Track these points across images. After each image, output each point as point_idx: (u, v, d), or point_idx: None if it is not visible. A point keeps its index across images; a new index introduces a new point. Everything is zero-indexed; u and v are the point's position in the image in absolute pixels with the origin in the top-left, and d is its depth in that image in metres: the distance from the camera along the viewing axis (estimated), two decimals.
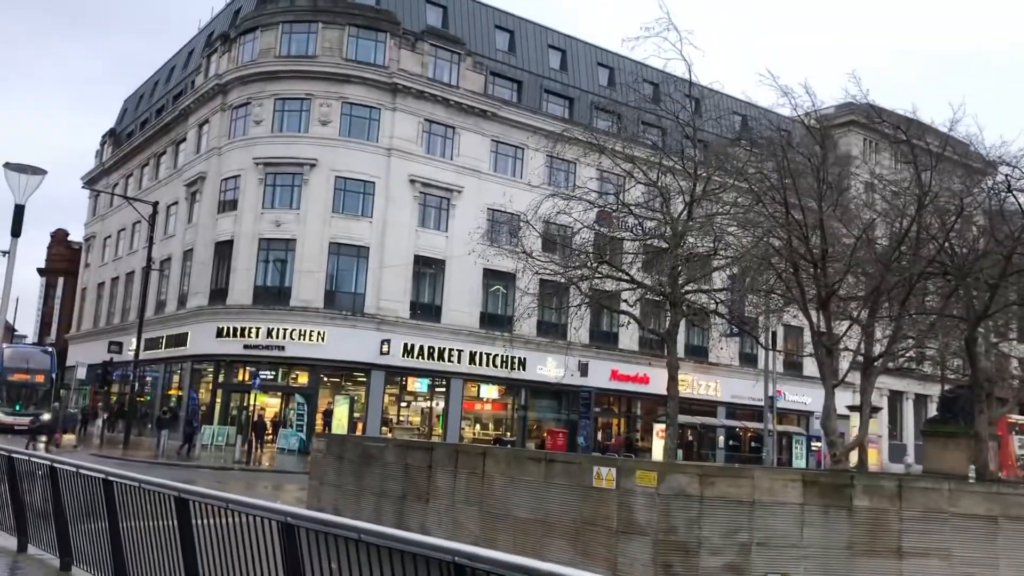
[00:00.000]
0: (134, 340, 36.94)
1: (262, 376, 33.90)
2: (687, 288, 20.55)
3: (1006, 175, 15.67)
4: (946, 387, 32.83)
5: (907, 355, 28.34)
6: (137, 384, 38.53)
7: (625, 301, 23.39)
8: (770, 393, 33.40)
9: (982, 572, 11.52)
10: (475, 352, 37.40)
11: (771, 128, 18.16)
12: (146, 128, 50.33)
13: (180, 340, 38.97)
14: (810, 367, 37.74)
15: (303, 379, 36.27)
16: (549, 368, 38.17)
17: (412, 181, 37.28)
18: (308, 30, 37.37)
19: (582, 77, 44.33)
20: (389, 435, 34.40)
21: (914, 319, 19.98)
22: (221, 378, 36.64)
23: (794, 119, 19.66)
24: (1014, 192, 15.10)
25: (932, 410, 41.55)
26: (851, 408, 33.12)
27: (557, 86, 43.32)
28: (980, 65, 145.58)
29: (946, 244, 15.70)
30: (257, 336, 35.10)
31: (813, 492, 12.00)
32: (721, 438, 40.90)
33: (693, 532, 11.81)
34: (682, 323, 23.86)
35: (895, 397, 50.16)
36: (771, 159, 17.22)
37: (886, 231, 19.88)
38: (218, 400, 36.60)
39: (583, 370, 38.87)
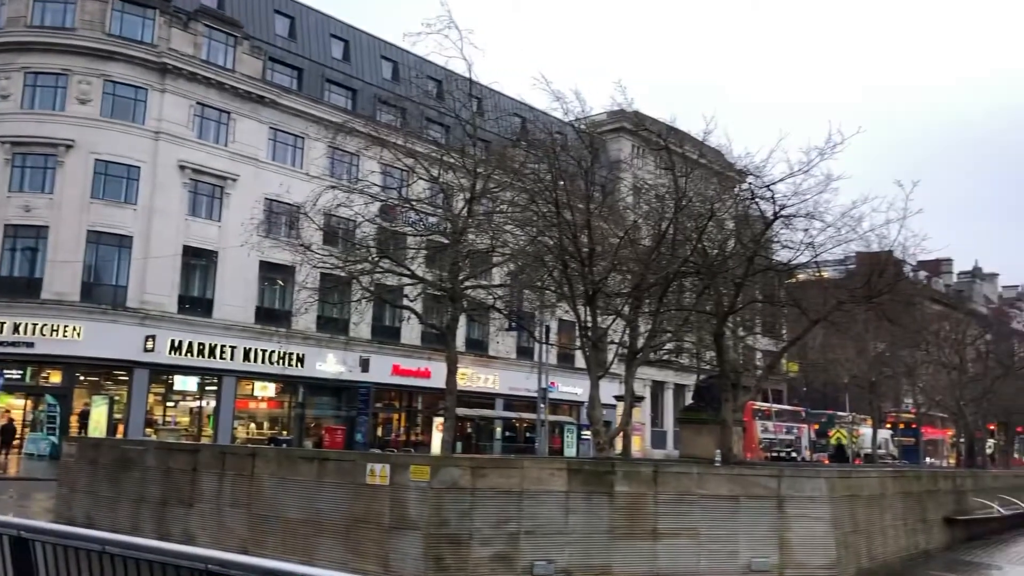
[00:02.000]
0: None
1: (6, 375, 30.84)
2: (467, 284, 20.89)
3: (750, 184, 17.22)
4: (701, 377, 35.59)
5: (667, 348, 30.41)
6: None
7: (406, 296, 23.41)
8: (543, 385, 34.70)
9: (724, 547, 12.57)
10: (250, 348, 35.94)
11: (545, 131, 18.81)
12: None
13: None
14: (582, 359, 39.57)
15: (56, 378, 33.31)
16: (329, 364, 37.44)
17: (182, 167, 35.23)
18: (66, 0, 34.34)
19: (365, 69, 43.82)
20: (153, 437, 32.36)
21: (672, 314, 21.45)
22: None
23: (568, 123, 20.50)
24: (757, 200, 16.61)
25: (689, 399, 44.83)
26: (617, 398, 35.05)
27: (340, 76, 42.52)
28: (728, 79, 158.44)
29: (699, 245, 16.97)
30: (1, 332, 31.85)
31: (578, 480, 12.60)
32: (499, 429, 41.96)
33: (464, 524, 12.04)
34: (462, 318, 24.28)
35: (657, 387, 53.67)
36: (545, 160, 17.86)
37: (649, 232, 21.19)
38: None
39: (364, 365, 38.49)
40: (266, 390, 38.46)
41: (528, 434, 41.81)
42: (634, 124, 19.94)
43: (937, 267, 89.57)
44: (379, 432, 41.05)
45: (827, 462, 44.96)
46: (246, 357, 35.95)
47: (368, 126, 26.53)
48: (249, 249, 28.72)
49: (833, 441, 53.73)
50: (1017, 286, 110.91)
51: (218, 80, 36.37)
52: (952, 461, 60.57)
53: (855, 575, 13.31)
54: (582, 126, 17.99)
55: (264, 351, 35.87)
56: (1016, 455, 66.54)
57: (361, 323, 30.25)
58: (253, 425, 38.43)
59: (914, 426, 63.79)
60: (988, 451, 55.71)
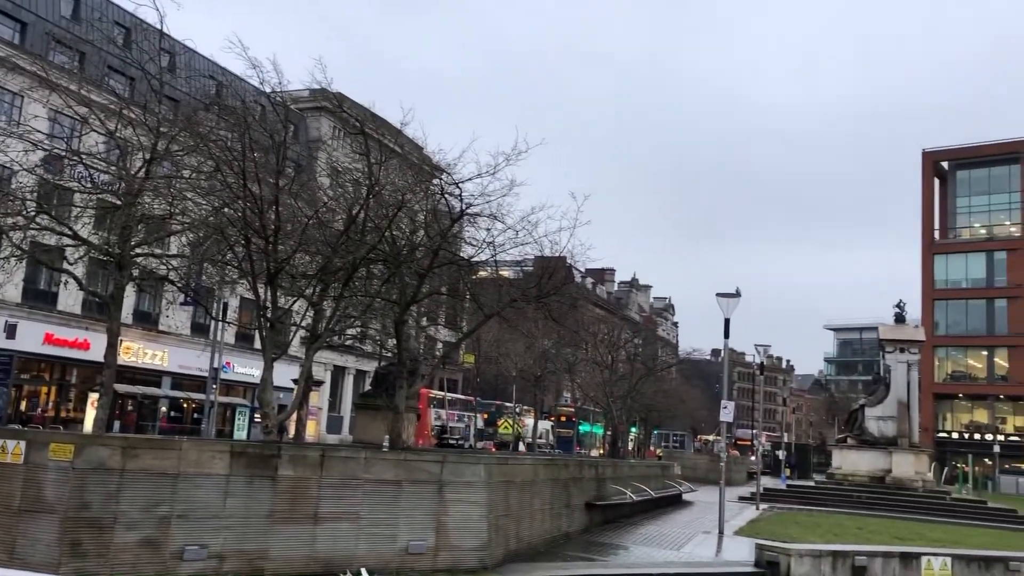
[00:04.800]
0: None
1: None
2: (138, 251, 19.35)
3: (440, 180, 17.74)
4: (381, 364, 36.03)
5: (350, 333, 30.44)
6: None
7: (66, 259, 21.21)
8: (216, 364, 33.17)
9: (384, 530, 12.83)
10: None
11: (238, 98, 17.95)
12: None
13: None
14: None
15: None
16: None
17: None
18: None
19: (39, 1, 39.05)
20: None
21: (357, 300, 21.49)
22: None
23: (266, 94, 19.75)
24: (446, 195, 17.16)
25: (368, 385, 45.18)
26: (296, 381, 34.44)
27: (8, 5, 37.50)
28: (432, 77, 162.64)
29: (387, 234, 17.16)
30: None
31: (241, 463, 12.20)
32: (164, 409, 39.42)
33: (110, 507, 11.18)
34: (130, 287, 22.44)
35: (338, 372, 53.51)
36: (236, 129, 17.05)
37: (341, 215, 21.04)
38: None
39: (10, 331, 34.34)
40: None
41: (196, 415, 39.74)
42: (333, 104, 19.66)
43: (602, 275, 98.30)
44: (23, 406, 36.80)
45: (494, 450, 47.60)
46: None
47: (36, 64, 23.68)
48: None
49: (502, 431, 57.02)
50: (665, 298, 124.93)
51: None
52: (600, 451, 66.80)
53: (503, 556, 14.18)
54: (279, 98, 17.40)
55: None
56: (652, 447, 74.94)
57: (8, 284, 26.93)
58: None
59: (574, 419, 69.62)
60: (630, 443, 62.10)
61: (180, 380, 41.96)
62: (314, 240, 17.64)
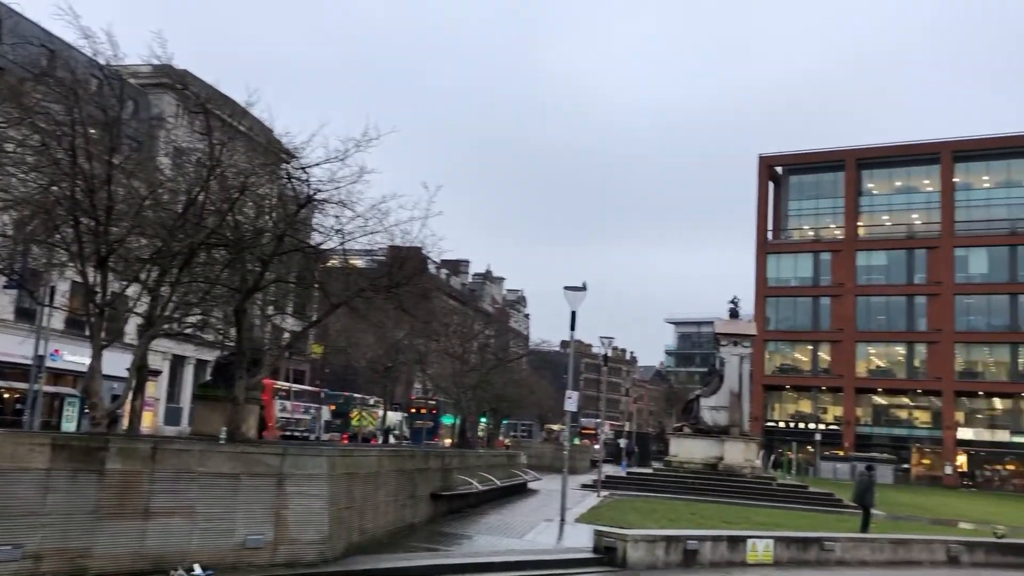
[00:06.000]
0: None
1: None
2: None
3: (287, 164, 17.28)
4: (223, 353, 34.76)
5: (190, 321, 29.18)
6: None
7: None
8: (41, 352, 31.13)
9: (220, 525, 12.41)
10: None
11: (69, 69, 16.83)
12: None
13: None
14: None
15: None
16: None
17: None
18: None
19: None
20: None
21: (198, 286, 20.64)
22: None
23: (99, 66, 18.62)
24: (293, 180, 16.71)
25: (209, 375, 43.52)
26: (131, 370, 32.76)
27: None
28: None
29: (228, 218, 16.55)
30: None
31: (63, 456, 11.50)
32: None
33: None
34: None
35: (178, 361, 51.29)
36: (66, 102, 15.99)
37: (181, 197, 20.13)
38: None
39: None
40: None
41: (19, 406, 37.10)
42: (175, 81, 18.75)
43: (457, 266, 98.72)
44: None
45: (346, 441, 46.97)
46: None
47: None
48: None
49: (355, 422, 56.26)
50: (518, 290, 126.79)
51: None
52: (449, 442, 67.06)
53: (345, 548, 14.00)
54: (115, 71, 16.42)
55: None
56: (501, 437, 75.99)
57: None
58: None
59: (435, 412, 69.82)
60: (480, 434, 62.70)
61: (2, 369, 39.07)
62: (150, 222, 16.79)
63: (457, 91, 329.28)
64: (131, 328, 27.89)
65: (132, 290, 20.19)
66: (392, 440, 61.78)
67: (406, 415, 68.92)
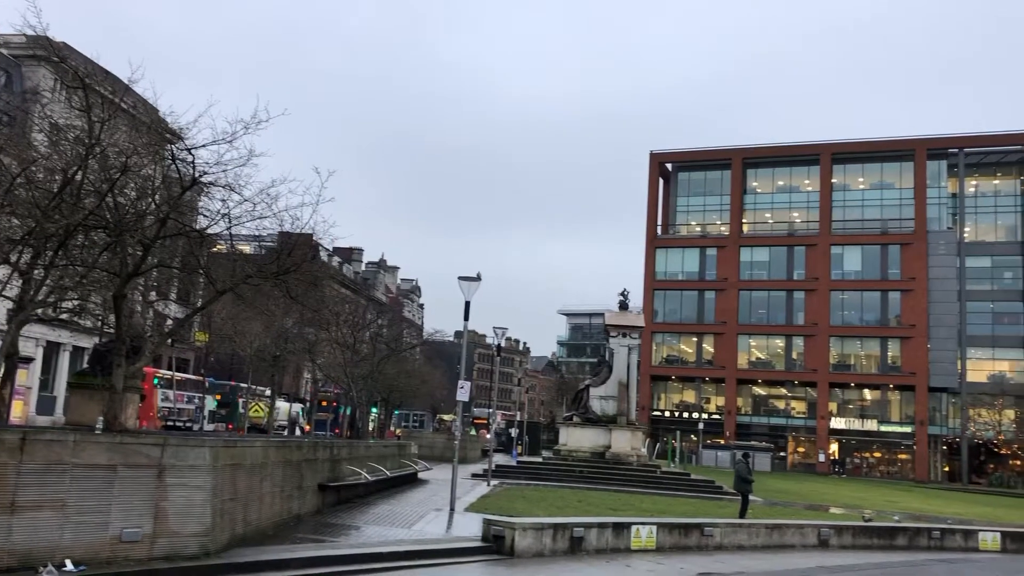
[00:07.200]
0: None
1: None
2: None
3: (171, 145, 16.64)
4: (102, 340, 33.33)
5: (66, 306, 27.86)
6: None
7: None
8: None
9: (94, 518, 11.91)
10: None
11: None
12: None
13: None
14: None
15: None
16: None
17: None
18: None
19: None
20: None
21: (74, 270, 19.71)
22: None
23: None
24: (177, 162, 16.09)
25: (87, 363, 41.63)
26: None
27: None
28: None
29: (107, 200, 15.83)
30: None
31: None
32: None
33: None
34: None
35: (52, 348, 48.80)
36: None
37: (56, 176, 19.17)
38: None
39: None
40: None
41: None
42: (51, 53, 17.75)
43: (350, 254, 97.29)
44: None
45: (243, 433, 45.65)
46: None
47: None
48: None
49: (252, 414, 54.72)
50: (412, 280, 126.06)
51: None
52: (339, 432, 66.17)
53: (228, 540, 13.66)
54: None
55: None
56: (392, 428, 75.55)
57: None
58: None
59: (335, 404, 68.85)
60: (371, 424, 62.18)
61: None
62: (22, 201, 15.91)
63: (357, 80, 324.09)
64: (0, 312, 26.36)
65: (1, 272, 19.11)
66: (298, 432, 60.76)
67: (302, 407, 67.91)
